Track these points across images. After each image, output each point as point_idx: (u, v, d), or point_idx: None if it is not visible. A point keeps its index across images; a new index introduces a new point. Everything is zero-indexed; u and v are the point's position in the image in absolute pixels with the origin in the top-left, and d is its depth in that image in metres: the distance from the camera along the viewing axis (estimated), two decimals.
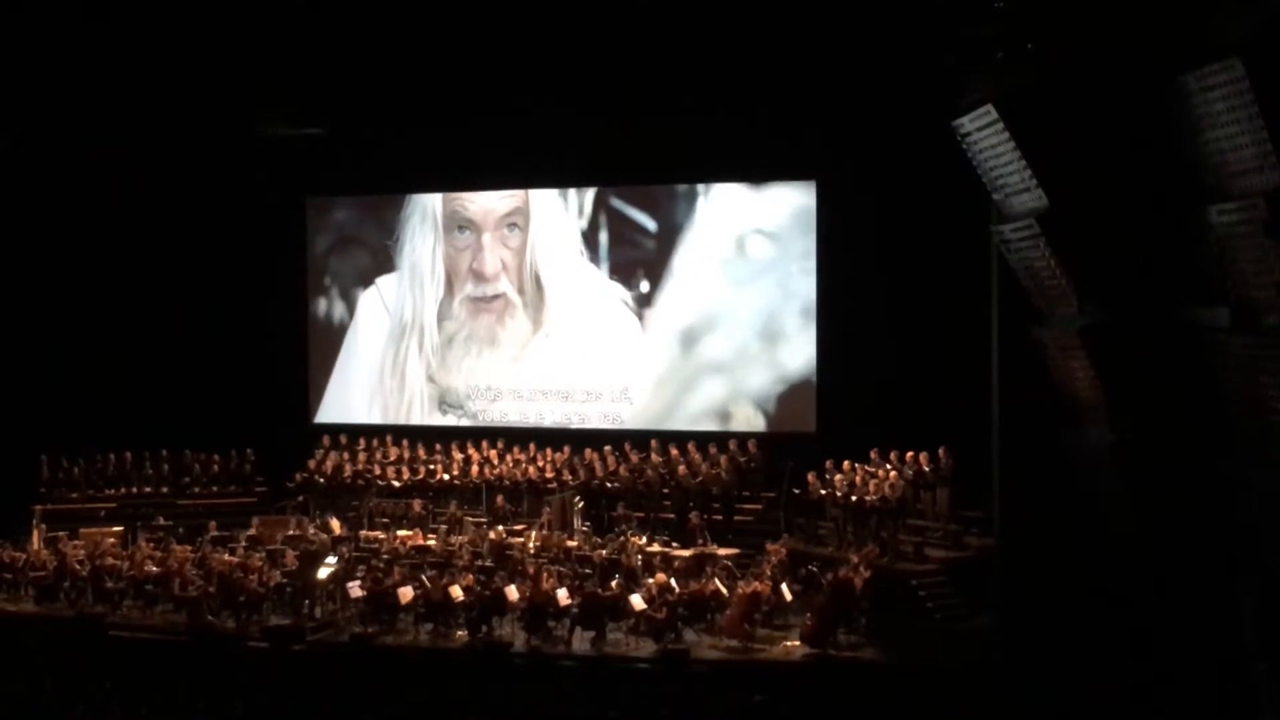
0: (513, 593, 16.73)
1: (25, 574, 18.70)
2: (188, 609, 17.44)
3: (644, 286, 22.95)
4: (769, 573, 17.12)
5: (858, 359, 21.03)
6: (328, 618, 17.55)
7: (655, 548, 19.00)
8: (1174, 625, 14.59)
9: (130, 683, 15.46)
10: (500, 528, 19.98)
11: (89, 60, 20.52)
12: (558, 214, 23.44)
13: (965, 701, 14.53)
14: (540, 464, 21.81)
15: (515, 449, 22.38)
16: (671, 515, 20.45)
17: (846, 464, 19.19)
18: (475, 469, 21.97)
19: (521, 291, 23.53)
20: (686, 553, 18.64)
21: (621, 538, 18.88)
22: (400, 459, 22.62)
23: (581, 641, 16.40)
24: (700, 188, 22.67)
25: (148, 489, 22.61)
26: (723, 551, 18.72)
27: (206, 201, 23.66)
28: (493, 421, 23.67)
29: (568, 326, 23.37)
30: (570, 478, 21.37)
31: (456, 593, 16.75)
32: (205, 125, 22.15)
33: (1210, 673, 14.14)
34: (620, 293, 23.03)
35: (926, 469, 18.60)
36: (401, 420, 24.22)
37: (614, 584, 16.96)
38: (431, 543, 19.43)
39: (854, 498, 18.55)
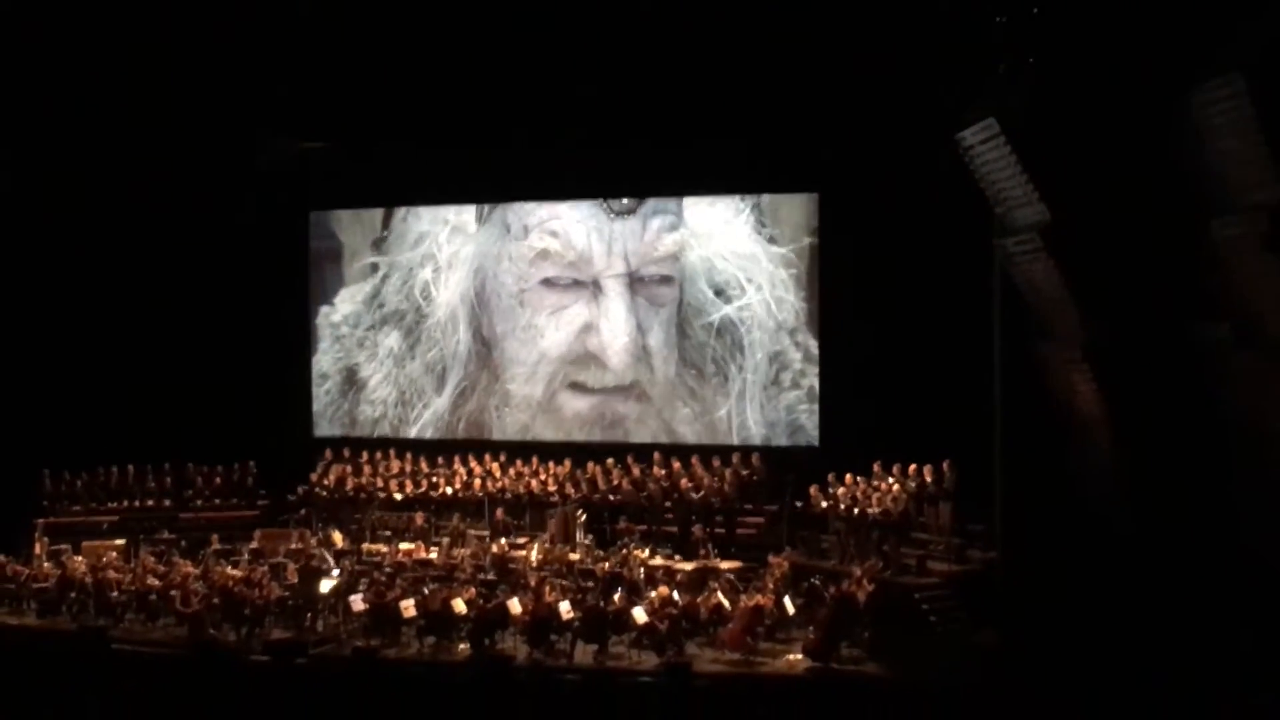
0: (515, 606, 16.68)
1: (28, 587, 18.63)
2: (190, 623, 17.41)
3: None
4: (771, 586, 17.08)
5: (860, 372, 21.05)
6: (330, 631, 17.53)
7: (658, 561, 19.00)
8: (1177, 640, 14.57)
9: (132, 696, 15.45)
10: (503, 541, 19.96)
11: (93, 72, 20.60)
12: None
13: (967, 716, 14.50)
14: (543, 477, 21.77)
15: (518, 462, 22.32)
16: (674, 528, 20.41)
17: (849, 477, 19.17)
18: (478, 482, 21.91)
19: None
20: (689, 566, 18.62)
21: (624, 551, 18.85)
22: (402, 472, 22.56)
23: (584, 655, 16.36)
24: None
25: (150, 502, 22.48)
26: (725, 565, 18.69)
27: (208, 214, 23.60)
28: (496, 435, 23.71)
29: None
30: (573, 491, 21.33)
31: (459, 606, 16.73)
32: (208, 139, 22.20)
33: (1212, 687, 14.12)
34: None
35: (929, 482, 18.58)
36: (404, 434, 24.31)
37: (616, 597, 16.91)
38: (434, 556, 19.43)
39: (856, 511, 18.53)
